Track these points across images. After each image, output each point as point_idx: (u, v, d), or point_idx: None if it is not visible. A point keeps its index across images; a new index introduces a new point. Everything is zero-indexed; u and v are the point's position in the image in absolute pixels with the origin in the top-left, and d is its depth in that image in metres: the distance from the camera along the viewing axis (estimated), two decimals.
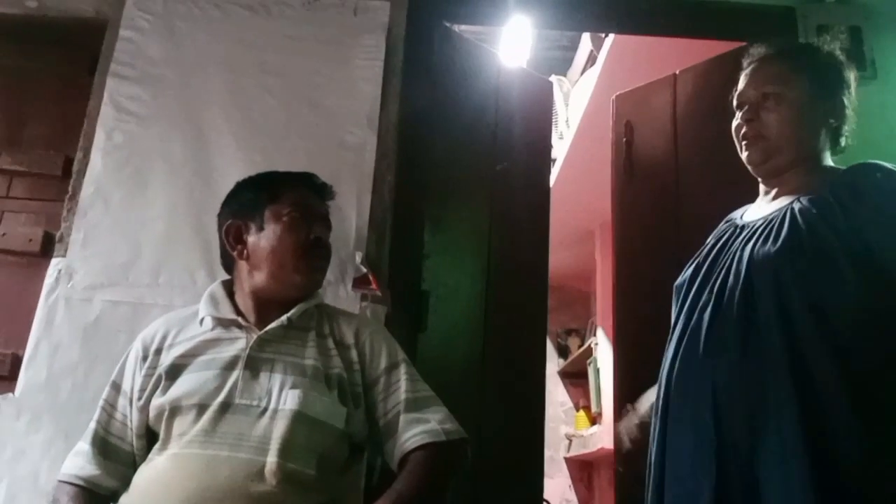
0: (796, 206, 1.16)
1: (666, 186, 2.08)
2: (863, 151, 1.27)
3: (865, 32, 1.89)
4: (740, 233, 1.24)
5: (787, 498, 1.00)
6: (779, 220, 1.17)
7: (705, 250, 1.30)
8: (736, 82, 1.32)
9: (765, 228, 1.18)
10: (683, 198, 2.01)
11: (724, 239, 1.27)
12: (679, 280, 1.31)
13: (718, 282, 1.18)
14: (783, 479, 1.01)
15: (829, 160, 1.26)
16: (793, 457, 1.01)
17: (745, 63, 1.32)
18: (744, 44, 1.96)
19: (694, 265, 1.29)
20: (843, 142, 1.28)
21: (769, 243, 1.14)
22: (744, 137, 1.27)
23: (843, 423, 1.01)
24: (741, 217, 1.30)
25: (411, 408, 1.26)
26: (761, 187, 1.31)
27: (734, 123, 1.30)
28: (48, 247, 1.70)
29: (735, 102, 1.31)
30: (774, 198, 1.25)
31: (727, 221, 1.34)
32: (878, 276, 1.07)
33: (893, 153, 1.28)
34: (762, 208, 1.26)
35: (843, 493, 0.99)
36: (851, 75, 1.29)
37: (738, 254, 1.18)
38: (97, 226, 1.68)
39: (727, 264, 1.19)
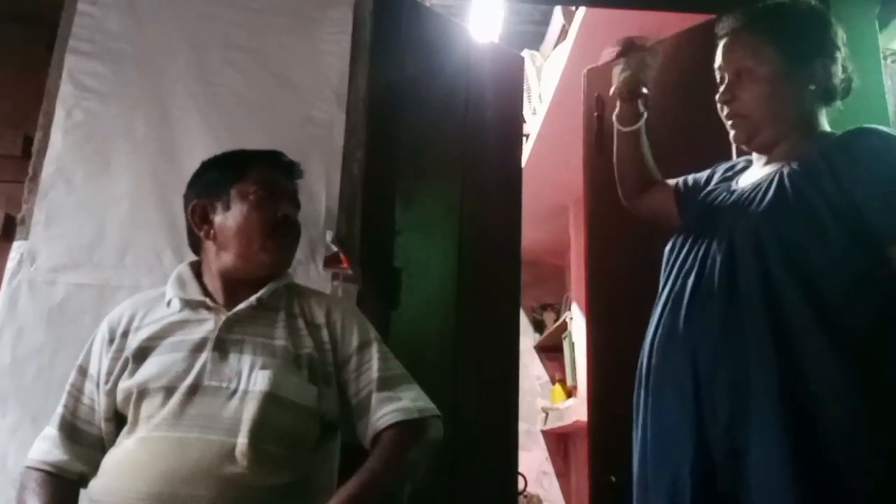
0: (785, 170, 1.15)
1: None
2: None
3: (833, 3, 1.88)
4: (730, 196, 1.23)
5: (768, 464, 1.00)
6: (766, 185, 1.16)
7: (697, 210, 1.29)
8: (714, 52, 1.29)
9: (752, 193, 1.17)
10: None
11: (717, 202, 1.26)
12: (670, 243, 1.29)
13: (703, 248, 1.18)
14: (764, 446, 1.01)
15: (823, 124, 1.23)
16: (774, 424, 1.01)
17: (719, 33, 1.28)
18: (713, 16, 1.97)
19: (685, 229, 1.27)
20: (838, 97, 1.23)
21: (752, 207, 1.14)
22: (726, 118, 1.26)
23: (827, 391, 1.01)
24: (736, 182, 1.29)
25: (383, 386, 1.26)
26: (753, 153, 1.29)
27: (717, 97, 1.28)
28: (9, 229, 1.67)
29: (717, 76, 1.28)
30: (767, 163, 1.24)
31: (724, 181, 1.31)
32: (865, 239, 1.06)
33: (856, 123, 1.27)
34: (755, 173, 1.25)
35: (825, 464, 0.98)
36: (834, 23, 1.24)
37: (724, 219, 1.18)
38: (59, 206, 1.63)
39: (714, 229, 1.19)
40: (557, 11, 3.20)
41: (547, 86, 3.20)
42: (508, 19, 3.35)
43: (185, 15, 1.79)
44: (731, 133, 1.26)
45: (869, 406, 1.00)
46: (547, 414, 4.21)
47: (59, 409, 1.28)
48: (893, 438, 0.99)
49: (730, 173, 1.34)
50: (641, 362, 1.22)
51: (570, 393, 3.91)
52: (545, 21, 3.45)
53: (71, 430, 1.26)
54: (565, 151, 3.08)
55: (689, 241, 1.23)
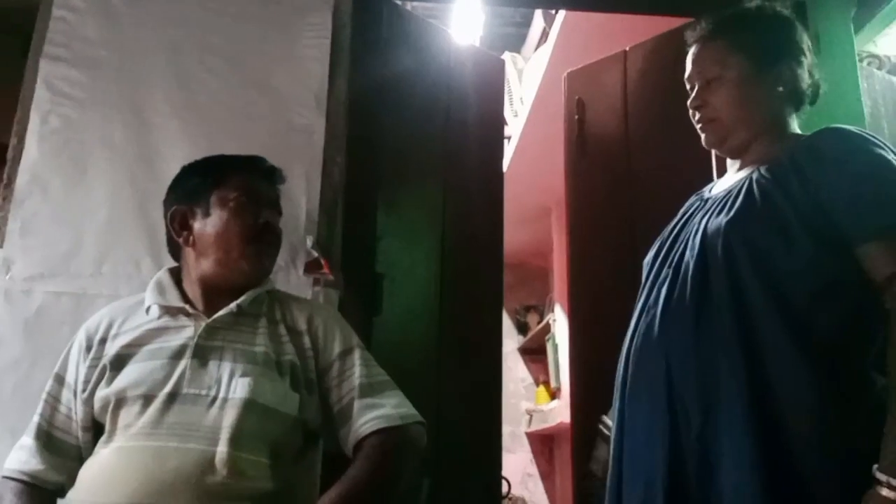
0: (755, 175, 1.16)
1: (617, 162, 2.09)
2: (803, 125, 1.27)
3: (809, 6, 1.90)
4: (703, 205, 1.24)
5: (736, 471, 1.00)
6: (736, 191, 1.16)
7: (672, 224, 1.29)
8: (685, 63, 1.31)
9: (724, 200, 1.18)
10: (634, 173, 2.03)
11: (689, 213, 1.27)
12: (647, 256, 1.30)
13: (677, 257, 1.18)
14: (733, 453, 1.01)
15: (794, 126, 1.24)
16: (742, 430, 1.01)
17: (688, 42, 1.30)
18: (692, 20, 1.99)
19: (660, 240, 1.28)
20: (807, 101, 1.25)
21: (722, 214, 1.14)
22: (698, 123, 1.27)
23: (795, 394, 1.01)
24: (710, 190, 1.30)
25: (366, 393, 1.25)
26: (727, 160, 1.30)
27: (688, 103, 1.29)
28: None
29: (687, 86, 1.30)
30: (739, 169, 1.25)
31: (697, 194, 1.33)
32: (833, 242, 1.05)
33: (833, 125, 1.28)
34: (728, 180, 1.26)
35: (793, 466, 0.99)
36: (800, 29, 1.25)
37: (696, 227, 1.18)
38: (35, 215, 1.61)
39: (687, 239, 1.19)
40: (538, 14, 3.21)
41: (528, 88, 3.21)
42: (490, 22, 3.36)
43: (163, 20, 1.78)
44: (704, 138, 1.27)
45: (836, 413, 1.00)
46: (531, 416, 4.21)
47: (36, 418, 1.26)
48: (860, 445, 0.99)
49: (704, 189, 1.35)
50: (619, 371, 1.22)
51: (554, 395, 3.92)
52: (526, 23, 3.46)
53: (48, 440, 1.24)
54: (548, 153, 3.09)
55: (665, 250, 1.24)
